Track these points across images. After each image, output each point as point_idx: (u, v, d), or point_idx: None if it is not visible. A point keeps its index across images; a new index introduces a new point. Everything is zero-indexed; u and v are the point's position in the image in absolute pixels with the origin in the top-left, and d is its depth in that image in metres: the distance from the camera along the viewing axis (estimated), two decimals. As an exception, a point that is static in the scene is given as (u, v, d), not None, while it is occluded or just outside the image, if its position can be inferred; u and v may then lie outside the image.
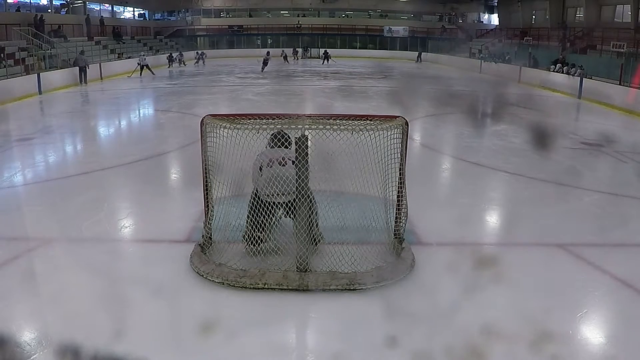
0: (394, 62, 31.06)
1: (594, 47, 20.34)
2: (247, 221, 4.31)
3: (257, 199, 4.21)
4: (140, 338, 3.28)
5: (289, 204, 3.97)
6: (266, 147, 4.39)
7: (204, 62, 28.18)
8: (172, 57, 26.25)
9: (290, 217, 4.03)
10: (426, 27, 37.07)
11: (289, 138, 4.17)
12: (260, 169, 4.22)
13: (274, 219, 4.26)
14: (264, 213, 4.12)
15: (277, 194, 4.07)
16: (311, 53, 34.04)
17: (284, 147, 4.21)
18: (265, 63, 23.75)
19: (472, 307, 3.63)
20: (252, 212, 4.23)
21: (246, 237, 4.28)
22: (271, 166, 4.16)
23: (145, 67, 20.96)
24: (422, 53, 32.73)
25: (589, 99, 14.96)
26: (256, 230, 4.18)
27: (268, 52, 26.46)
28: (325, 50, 31.28)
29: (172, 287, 3.95)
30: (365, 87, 18.36)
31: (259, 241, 4.19)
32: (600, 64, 17.33)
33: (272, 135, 4.30)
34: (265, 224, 4.15)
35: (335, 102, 14.14)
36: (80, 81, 17.30)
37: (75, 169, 7.57)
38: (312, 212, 4.06)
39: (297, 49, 33.60)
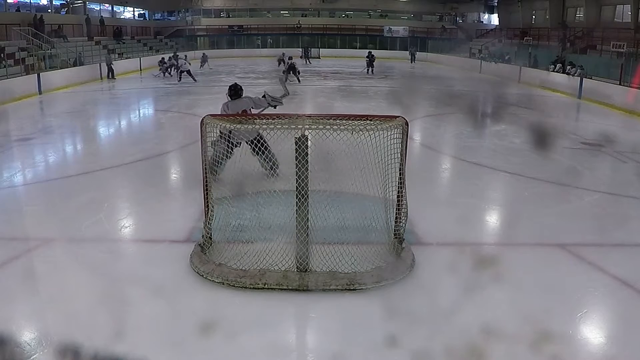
0: (394, 62, 31.01)
1: (594, 47, 20.34)
2: (215, 153, 5.09)
3: (226, 138, 5.12)
4: (140, 338, 3.28)
5: (251, 142, 5.03)
6: (227, 99, 6.15)
7: (209, 66, 25.09)
8: (164, 61, 21.27)
9: (254, 154, 5.10)
10: (426, 27, 37.06)
11: (241, 89, 6.24)
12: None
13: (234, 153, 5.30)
14: (227, 148, 5.08)
15: (242, 137, 5.16)
16: (311, 53, 33.85)
17: (240, 98, 6.11)
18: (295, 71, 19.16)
19: (472, 307, 3.63)
20: (220, 147, 5.16)
21: (214, 164, 5.02)
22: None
23: (186, 72, 18.97)
24: (417, 52, 31.15)
25: (589, 99, 14.96)
26: (223, 159, 5.20)
27: (285, 54, 22.85)
28: (370, 52, 23.81)
29: (172, 287, 3.96)
30: (365, 87, 18.35)
31: (222, 168, 5.24)
32: (600, 64, 17.33)
33: (229, 88, 6.23)
34: (226, 156, 5.25)
35: (335, 102, 14.14)
36: (108, 76, 19.52)
37: (75, 169, 7.58)
38: (268, 152, 5.15)
39: (308, 50, 30.59)
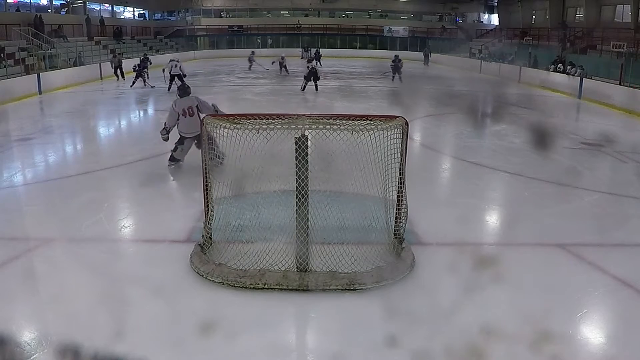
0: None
1: (594, 47, 20.33)
2: (176, 148, 7.05)
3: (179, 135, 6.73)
4: (140, 338, 3.29)
5: (196, 137, 6.66)
6: (177, 97, 7.15)
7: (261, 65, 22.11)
8: (142, 66, 17.43)
9: (198, 147, 6.21)
10: (426, 27, 37.05)
11: (189, 88, 7.20)
12: (179, 117, 6.90)
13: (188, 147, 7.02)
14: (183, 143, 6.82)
15: (191, 132, 6.85)
16: (311, 53, 33.73)
17: (187, 96, 7.01)
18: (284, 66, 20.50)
19: (472, 307, 3.63)
20: (178, 142, 7.04)
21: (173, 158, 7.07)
22: (185, 116, 6.89)
23: (177, 77, 15.96)
24: (431, 54, 28.96)
25: (589, 99, 14.96)
26: (181, 154, 7.00)
27: (285, 58, 21.80)
28: (397, 56, 19.35)
29: (172, 287, 3.96)
30: (365, 87, 18.35)
31: (180, 160, 7.07)
32: (600, 64, 17.33)
33: (178, 88, 7.48)
34: (184, 151, 7.01)
35: (335, 102, 14.13)
36: (118, 78, 18.72)
37: (75, 169, 7.58)
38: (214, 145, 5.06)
39: (311, 50, 29.24)
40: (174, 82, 15.69)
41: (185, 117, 6.86)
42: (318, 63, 24.77)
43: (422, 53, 30.05)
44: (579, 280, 4.20)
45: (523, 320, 3.54)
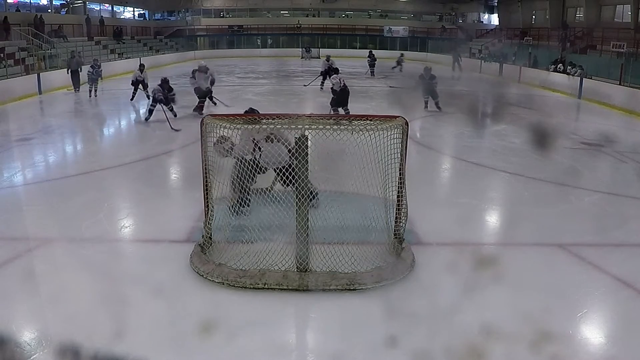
0: (394, 62, 30.90)
1: (594, 47, 20.34)
2: (234, 187, 4.73)
3: (247, 166, 4.48)
4: (140, 338, 3.29)
5: (282, 170, 4.58)
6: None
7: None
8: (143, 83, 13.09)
9: (284, 184, 4.59)
10: (426, 27, 37.05)
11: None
12: (257, 145, 4.79)
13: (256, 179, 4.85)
14: (251, 178, 4.52)
15: (274, 163, 4.75)
16: (312, 53, 33.79)
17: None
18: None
19: (472, 307, 3.63)
20: (239, 178, 4.59)
21: (235, 201, 4.72)
22: (271, 141, 4.75)
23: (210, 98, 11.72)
24: (462, 57, 24.49)
25: (589, 99, 14.96)
26: (245, 193, 4.72)
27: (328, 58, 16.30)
28: (428, 70, 12.58)
29: (172, 287, 3.96)
30: (365, 87, 18.34)
31: (247, 203, 4.74)
32: (600, 64, 17.33)
33: (245, 112, 5.13)
34: (250, 189, 4.74)
35: (335, 102, 14.09)
36: (75, 88, 15.29)
37: (75, 169, 7.58)
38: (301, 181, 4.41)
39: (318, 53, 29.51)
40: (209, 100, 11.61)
41: (269, 141, 4.89)
42: (399, 68, 21.72)
43: (452, 56, 24.75)
44: (579, 280, 4.20)
45: (523, 320, 3.54)
